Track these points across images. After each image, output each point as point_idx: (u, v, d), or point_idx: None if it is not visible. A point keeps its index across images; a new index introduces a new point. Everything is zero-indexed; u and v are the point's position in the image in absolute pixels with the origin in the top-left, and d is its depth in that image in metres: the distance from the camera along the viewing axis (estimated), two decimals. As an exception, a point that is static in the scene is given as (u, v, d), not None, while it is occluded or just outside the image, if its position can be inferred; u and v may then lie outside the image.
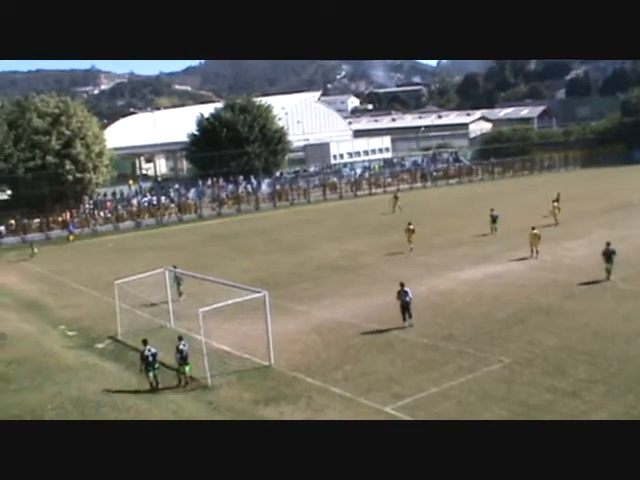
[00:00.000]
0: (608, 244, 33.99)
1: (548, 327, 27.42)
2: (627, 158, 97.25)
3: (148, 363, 23.86)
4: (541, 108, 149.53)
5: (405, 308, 28.53)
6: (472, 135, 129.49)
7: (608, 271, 33.63)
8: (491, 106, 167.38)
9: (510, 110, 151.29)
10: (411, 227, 45.81)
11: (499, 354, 24.62)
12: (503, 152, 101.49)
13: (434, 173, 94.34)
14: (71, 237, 62.04)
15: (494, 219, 48.79)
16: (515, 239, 42.46)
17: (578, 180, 71.65)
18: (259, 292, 25.42)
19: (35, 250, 54.94)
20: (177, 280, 34.15)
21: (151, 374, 23.92)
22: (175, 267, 34.77)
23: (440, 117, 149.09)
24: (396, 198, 67.44)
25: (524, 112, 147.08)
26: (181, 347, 24.04)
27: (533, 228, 40.38)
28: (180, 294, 34.24)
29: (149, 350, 23.96)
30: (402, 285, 28.71)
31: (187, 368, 24.00)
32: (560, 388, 21.31)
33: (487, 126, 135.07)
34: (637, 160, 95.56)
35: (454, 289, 33.88)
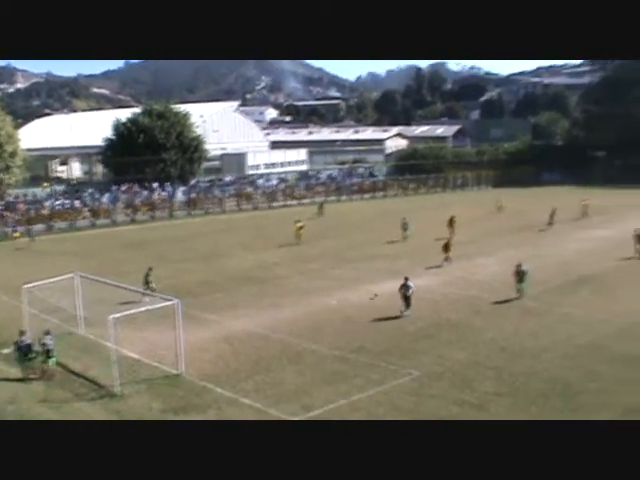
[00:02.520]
0: (518, 265, 34.65)
1: (457, 342, 27.94)
2: (536, 179, 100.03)
3: (22, 354, 24.50)
4: (456, 127, 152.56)
5: (406, 299, 31.47)
6: (388, 151, 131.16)
7: (520, 290, 34.30)
8: (408, 123, 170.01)
9: (426, 128, 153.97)
10: (299, 224, 53.61)
11: (409, 367, 24.93)
12: (418, 169, 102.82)
13: (349, 187, 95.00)
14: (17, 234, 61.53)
15: (405, 227, 52.96)
16: (427, 254, 43.11)
17: (491, 199, 72.94)
18: (171, 300, 25.21)
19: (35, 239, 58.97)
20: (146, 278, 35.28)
21: (25, 364, 24.55)
22: (151, 269, 36.09)
23: (357, 132, 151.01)
24: (321, 207, 73.35)
25: (439, 131, 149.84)
26: (45, 341, 24.78)
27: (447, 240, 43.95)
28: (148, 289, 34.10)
29: (22, 341, 24.58)
30: (406, 279, 31.89)
31: (50, 362, 24.80)
32: (467, 401, 21.73)
33: (403, 143, 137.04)
34: (546, 181, 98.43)
35: (366, 302, 34.18)
